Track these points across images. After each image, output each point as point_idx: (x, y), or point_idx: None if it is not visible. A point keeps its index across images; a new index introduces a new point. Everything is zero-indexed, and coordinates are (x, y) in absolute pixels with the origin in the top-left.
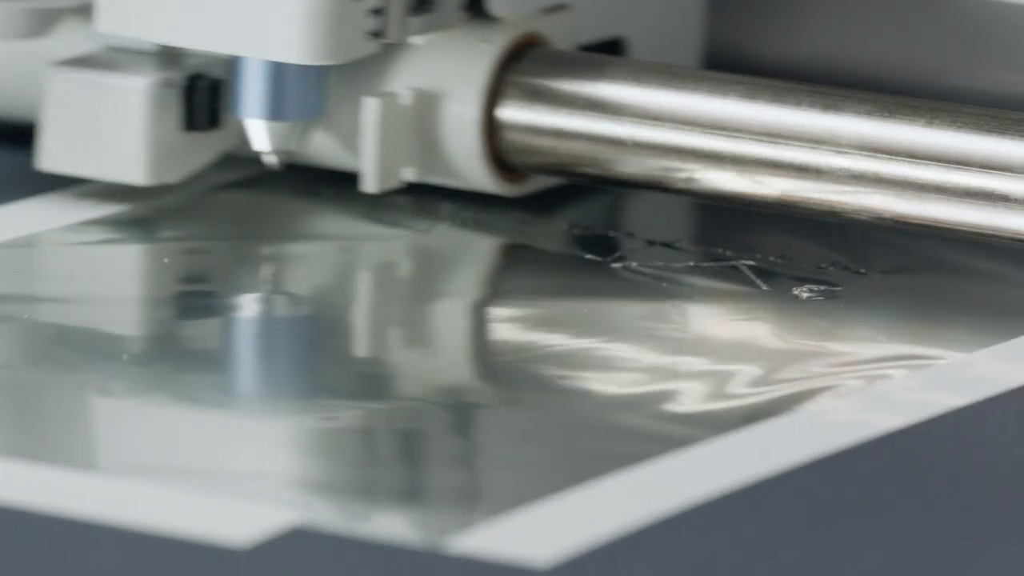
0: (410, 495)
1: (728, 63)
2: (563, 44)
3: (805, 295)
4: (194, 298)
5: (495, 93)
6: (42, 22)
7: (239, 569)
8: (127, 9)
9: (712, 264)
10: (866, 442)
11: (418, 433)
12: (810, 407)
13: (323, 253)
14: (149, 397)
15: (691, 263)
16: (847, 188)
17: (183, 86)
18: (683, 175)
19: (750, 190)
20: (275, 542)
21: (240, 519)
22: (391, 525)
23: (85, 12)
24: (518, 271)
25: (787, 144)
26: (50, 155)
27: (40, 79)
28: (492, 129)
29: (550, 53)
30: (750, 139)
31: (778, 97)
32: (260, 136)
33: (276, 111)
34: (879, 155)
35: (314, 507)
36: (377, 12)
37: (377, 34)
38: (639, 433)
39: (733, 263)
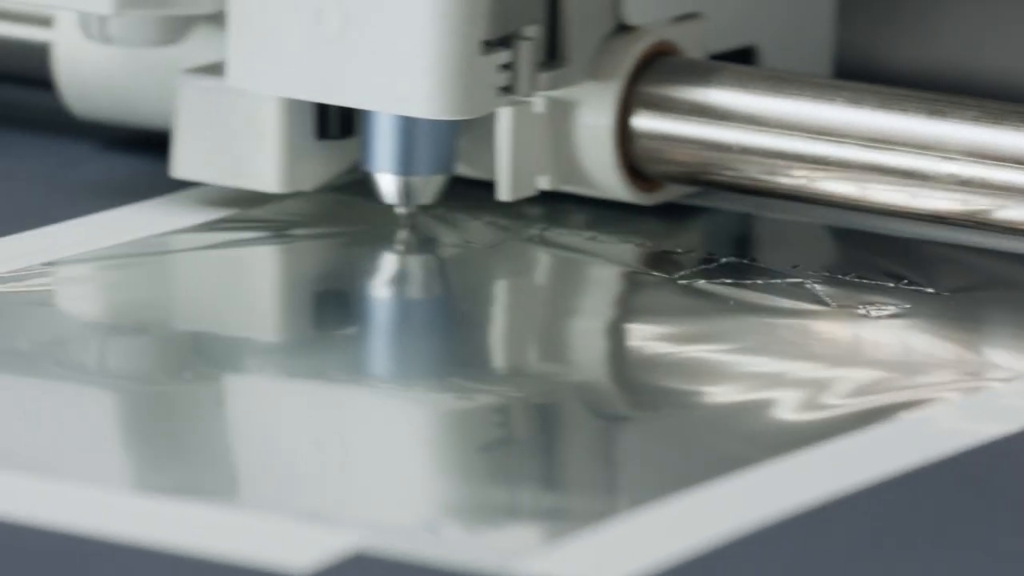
0: (477, 514)
1: (859, 71)
2: (695, 52)
3: (873, 313)
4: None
5: (628, 102)
6: (175, 29)
7: None
8: (258, 64)
9: (779, 281)
10: (969, 450)
11: (506, 448)
12: (895, 420)
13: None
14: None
15: (759, 280)
16: (955, 194)
17: None
18: (798, 180)
19: (858, 196)
20: (335, 569)
21: (301, 542)
22: (454, 546)
23: (218, 19)
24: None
25: (894, 150)
26: (184, 163)
27: (174, 87)
28: (625, 138)
29: (683, 62)
30: (857, 145)
31: (884, 103)
32: (391, 190)
33: (407, 166)
34: (986, 161)
35: (379, 529)
36: (507, 67)
37: (507, 89)
38: (734, 445)
39: (800, 280)
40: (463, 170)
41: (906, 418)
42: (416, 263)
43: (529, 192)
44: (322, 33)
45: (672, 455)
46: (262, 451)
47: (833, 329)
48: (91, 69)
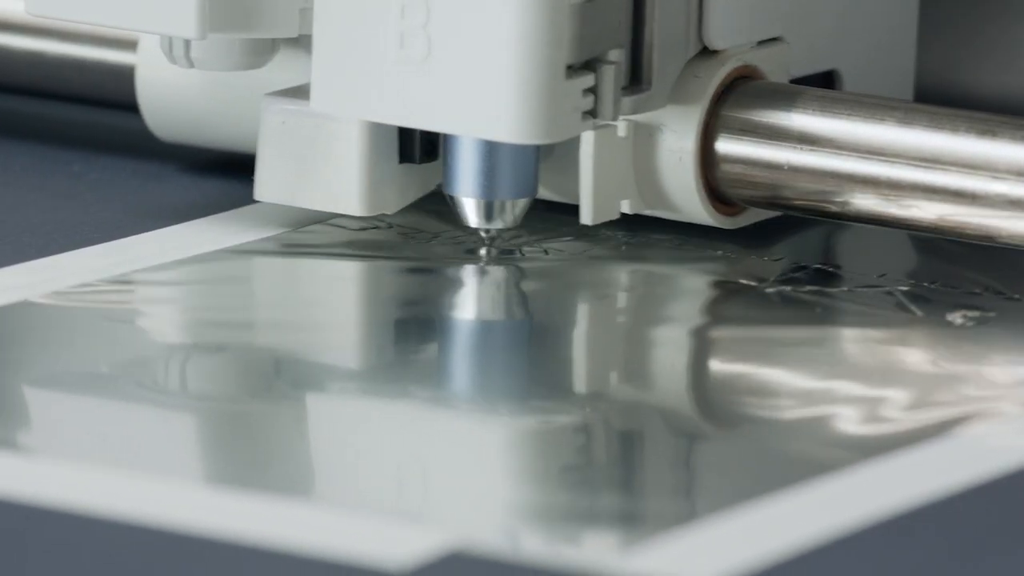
0: (567, 517)
1: (941, 95)
2: (778, 77)
3: (959, 321)
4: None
5: (711, 126)
6: (259, 52)
7: None
8: (342, 88)
9: (866, 289)
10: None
11: (580, 455)
12: (967, 432)
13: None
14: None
15: (845, 288)
16: (1003, 213)
17: None
18: (840, 199)
19: (905, 214)
20: (432, 566)
21: (397, 540)
22: (547, 547)
23: (300, 42)
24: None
25: (943, 169)
26: (266, 186)
27: (256, 110)
28: (708, 162)
29: (766, 86)
30: (906, 164)
31: (935, 123)
32: (473, 214)
33: (489, 190)
34: None
35: (481, 528)
36: (591, 91)
37: (590, 113)
38: (794, 457)
39: (887, 288)
40: (545, 193)
41: (970, 431)
42: (497, 283)
43: (612, 216)
44: (406, 57)
45: (751, 467)
46: (342, 469)
47: (916, 338)
48: (174, 92)
